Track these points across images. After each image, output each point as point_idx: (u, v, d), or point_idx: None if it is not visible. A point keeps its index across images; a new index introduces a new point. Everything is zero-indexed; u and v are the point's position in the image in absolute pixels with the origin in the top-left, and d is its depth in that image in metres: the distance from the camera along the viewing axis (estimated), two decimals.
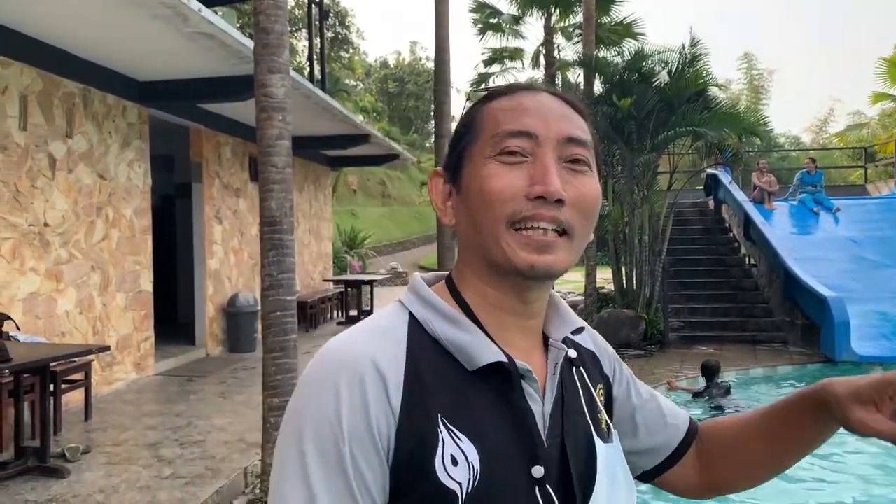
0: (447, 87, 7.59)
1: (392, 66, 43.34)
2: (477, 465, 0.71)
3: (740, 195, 12.84)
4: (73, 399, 5.90)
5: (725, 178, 13.59)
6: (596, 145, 0.81)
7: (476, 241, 0.78)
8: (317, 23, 12.67)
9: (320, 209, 13.36)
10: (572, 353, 0.85)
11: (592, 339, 0.95)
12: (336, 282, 13.01)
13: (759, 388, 7.88)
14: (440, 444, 0.70)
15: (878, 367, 8.46)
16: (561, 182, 0.75)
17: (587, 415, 0.83)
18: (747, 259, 12.77)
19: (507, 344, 0.78)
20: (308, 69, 13.87)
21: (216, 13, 5.96)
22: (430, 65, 42.87)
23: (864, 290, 10.14)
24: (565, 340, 0.85)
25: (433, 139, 45.82)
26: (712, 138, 10.06)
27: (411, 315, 0.78)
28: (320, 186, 13.36)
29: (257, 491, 3.95)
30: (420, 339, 0.75)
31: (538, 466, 0.74)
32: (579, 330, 0.87)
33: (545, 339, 0.85)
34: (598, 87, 11.29)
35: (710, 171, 13.98)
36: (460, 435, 0.71)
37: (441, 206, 0.83)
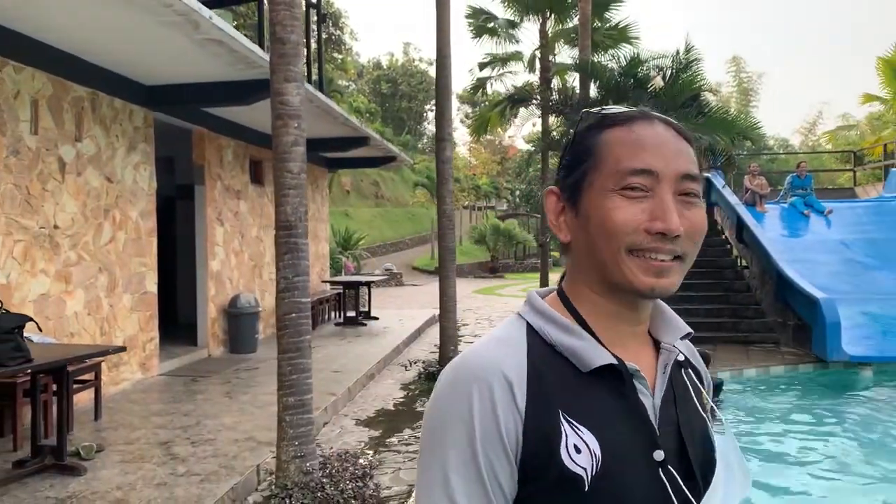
0: (448, 92, 7.71)
1: (385, 67, 43.42)
2: (598, 453, 0.81)
3: (733, 198, 13.03)
4: (81, 399, 6.00)
5: (718, 181, 13.78)
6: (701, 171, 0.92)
7: (594, 261, 0.87)
8: (314, 26, 12.77)
9: (318, 211, 13.46)
10: (681, 357, 0.94)
11: (693, 358, 1.02)
12: (334, 283, 13.11)
13: (753, 389, 8.05)
14: (563, 436, 0.80)
15: (868, 368, 8.68)
16: (677, 216, 0.84)
17: (700, 409, 0.94)
18: (739, 261, 12.96)
19: (621, 347, 0.89)
20: (306, 72, 13.97)
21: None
22: (424, 66, 43.01)
23: (854, 292, 10.36)
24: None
25: (424, 140, 45.89)
26: (706, 143, 10.24)
27: (528, 325, 0.89)
28: (318, 188, 13.47)
29: (273, 488, 4.07)
30: (538, 346, 0.86)
31: (659, 451, 0.85)
32: (687, 335, 0.97)
33: (654, 342, 0.95)
34: (593, 90, 11.46)
35: (703, 174, 14.17)
36: (580, 427, 0.81)
37: (555, 221, 0.92)
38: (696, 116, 10.21)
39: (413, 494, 0.72)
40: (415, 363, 8.66)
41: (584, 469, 0.80)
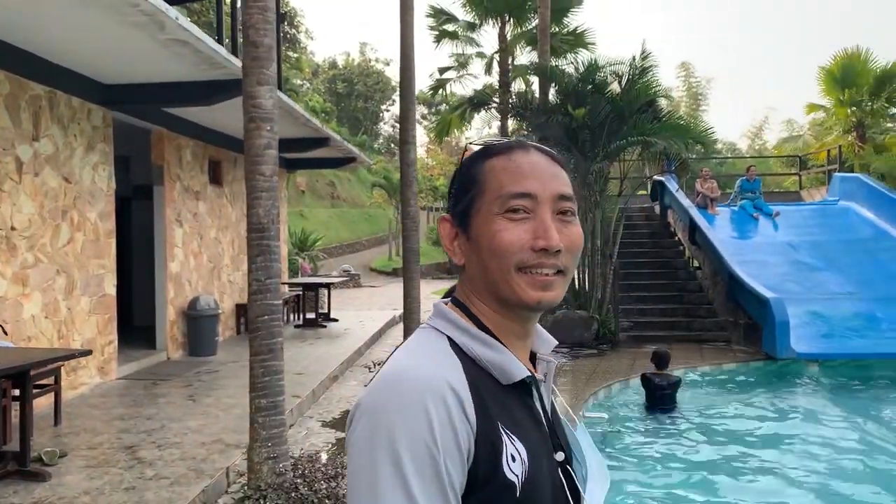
0: (412, 95, 7.77)
1: (341, 66, 43.19)
2: (526, 459, 0.87)
3: (686, 201, 13.42)
4: (39, 404, 5.85)
5: (672, 185, 14.17)
6: (576, 191, 1.05)
7: (487, 280, 0.93)
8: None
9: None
10: (553, 367, 1.03)
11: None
12: (293, 284, 13.03)
13: (707, 385, 8.33)
14: (504, 446, 0.85)
15: (815, 364, 9.06)
16: (557, 233, 0.93)
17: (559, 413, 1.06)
18: (692, 262, 13.35)
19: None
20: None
21: None
22: (380, 66, 42.95)
23: (801, 292, 10.78)
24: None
25: (380, 141, 45.73)
26: (662, 147, 10.53)
27: (450, 339, 0.92)
28: (277, 189, 13.35)
29: (246, 489, 4.07)
30: (465, 360, 0.90)
31: (560, 452, 0.94)
32: (554, 347, 1.07)
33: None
34: (552, 95, 11.66)
35: (656, 177, 14.57)
36: (514, 436, 0.87)
37: (450, 246, 0.98)
38: (652, 121, 10.47)
39: None
40: (378, 364, 8.69)
41: (517, 476, 0.85)
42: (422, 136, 37.43)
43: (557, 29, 14.80)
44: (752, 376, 8.64)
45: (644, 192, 16.05)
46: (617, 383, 8.02)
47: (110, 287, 7.51)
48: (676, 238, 14.32)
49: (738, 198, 14.83)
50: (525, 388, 0.93)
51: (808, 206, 15.46)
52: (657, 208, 15.48)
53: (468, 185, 0.96)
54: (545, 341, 1.03)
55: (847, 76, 18.11)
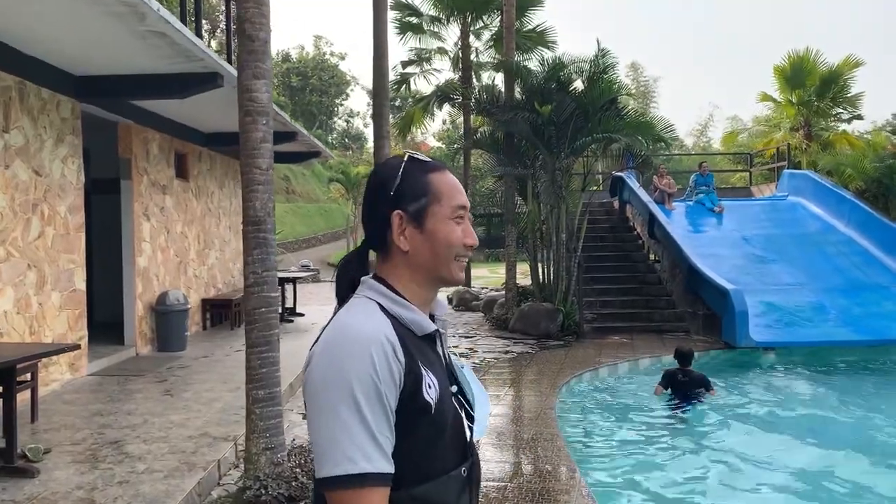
0: (386, 92, 7.84)
1: (295, 59, 42.67)
2: (438, 387, 1.20)
3: (646, 197, 13.79)
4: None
5: (632, 181, 14.53)
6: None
7: (433, 264, 1.26)
8: (234, 17, 12.54)
9: (240, 206, 13.21)
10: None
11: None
12: None
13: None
14: (423, 378, 1.17)
15: (772, 352, 9.47)
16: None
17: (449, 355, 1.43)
18: (651, 255, 13.73)
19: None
20: None
21: None
22: (335, 60, 42.59)
23: (755, 283, 11.23)
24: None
25: (334, 135, 45.18)
26: (625, 144, 10.82)
27: (379, 305, 1.23)
28: (240, 183, 13.21)
29: (245, 480, 4.11)
30: (392, 319, 1.20)
31: (454, 385, 1.30)
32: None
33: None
34: (517, 91, 11.84)
35: (615, 173, 14.93)
36: (429, 371, 1.19)
37: (399, 235, 1.25)
38: (615, 119, 10.75)
39: (321, 434, 1.04)
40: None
41: (432, 399, 1.17)
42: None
43: (519, 26, 14.98)
44: (713, 363, 8.98)
45: (597, 188, 16.40)
46: (587, 372, 8.26)
47: (80, 282, 7.38)
48: (635, 232, 14.70)
49: (694, 192, 15.30)
50: (432, 338, 1.27)
51: (759, 201, 16.05)
52: (616, 203, 15.85)
53: (421, 190, 1.26)
54: (441, 306, 1.55)
55: (797, 76, 18.85)
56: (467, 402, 1.32)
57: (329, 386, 1.11)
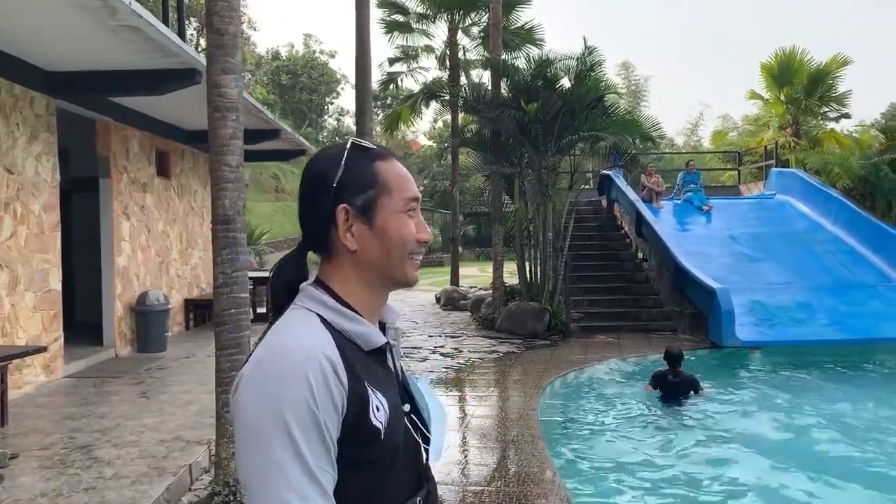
0: (368, 87, 7.74)
1: (285, 58, 42.44)
2: (387, 409, 1.06)
3: (633, 195, 13.73)
4: None
5: (620, 180, 14.48)
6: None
7: (386, 262, 1.13)
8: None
9: None
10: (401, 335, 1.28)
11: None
12: None
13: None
14: (371, 400, 1.04)
15: (758, 351, 9.43)
16: None
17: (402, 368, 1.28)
18: (639, 254, 13.68)
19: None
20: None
21: None
22: (325, 58, 42.38)
23: (743, 282, 11.18)
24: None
25: (325, 133, 45.10)
26: (612, 143, 10.74)
27: (319, 316, 1.08)
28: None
29: (214, 486, 4.01)
30: (335, 333, 1.06)
31: (406, 404, 1.15)
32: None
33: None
34: (503, 89, 11.75)
35: (603, 172, 14.87)
36: (377, 391, 1.06)
37: (345, 233, 1.11)
38: (602, 117, 10.67)
39: (250, 472, 0.99)
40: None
41: (381, 423, 1.04)
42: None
43: (507, 24, 14.90)
44: (700, 363, 8.91)
45: (588, 187, 16.34)
46: (572, 372, 8.18)
47: (55, 282, 7.25)
48: (623, 231, 14.65)
49: (682, 191, 15.26)
50: (381, 352, 1.13)
51: (747, 199, 16.03)
52: (604, 202, 15.80)
53: (368, 181, 1.12)
54: (392, 313, 1.23)
55: (784, 74, 18.84)
56: (423, 420, 1.18)
57: (259, 416, 0.97)
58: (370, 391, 1.04)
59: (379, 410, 1.04)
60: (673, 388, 7.07)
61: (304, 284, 1.13)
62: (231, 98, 4.05)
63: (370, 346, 1.10)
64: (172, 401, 6.36)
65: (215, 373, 4.17)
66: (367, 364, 1.08)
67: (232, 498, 3.83)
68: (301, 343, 1.01)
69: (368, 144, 1.16)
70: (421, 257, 1.17)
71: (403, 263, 1.14)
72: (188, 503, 4.33)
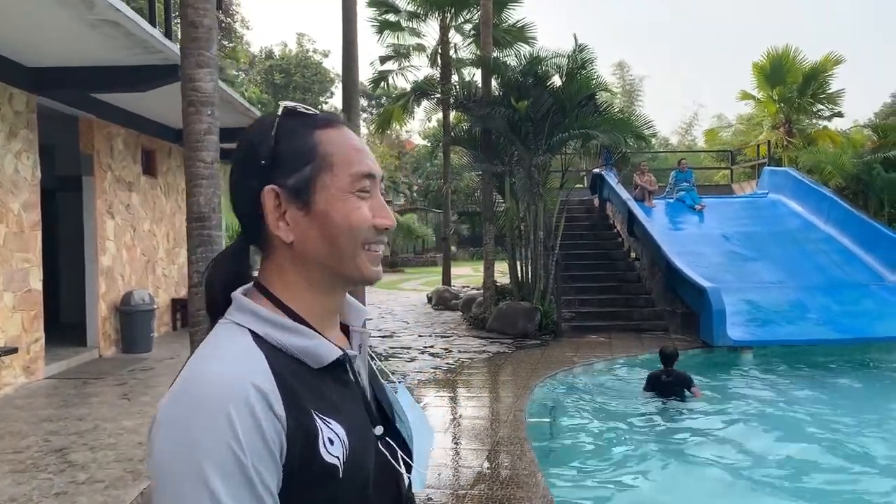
0: (356, 85, 7.64)
1: (278, 57, 42.30)
2: (346, 439, 0.85)
3: (625, 194, 13.65)
4: None
5: (611, 178, 14.39)
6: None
7: (330, 257, 0.91)
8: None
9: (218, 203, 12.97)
10: (369, 338, 1.02)
11: None
12: None
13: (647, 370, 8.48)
14: (319, 432, 0.83)
15: (749, 351, 9.35)
16: None
17: (378, 376, 1.05)
18: (631, 253, 13.60)
19: (326, 334, 0.93)
20: None
21: None
22: (318, 57, 42.27)
23: (735, 281, 11.11)
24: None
25: None
26: (603, 141, 10.67)
27: (252, 332, 0.87)
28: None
29: None
30: (271, 352, 0.85)
31: (378, 426, 0.93)
32: (367, 318, 1.04)
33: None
34: (494, 86, 11.67)
35: (595, 170, 14.79)
36: (330, 420, 0.84)
37: (277, 221, 0.90)
38: (593, 115, 10.59)
39: None
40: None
41: (338, 458, 0.83)
42: (362, 128, 37.01)
43: (499, 22, 14.83)
44: (690, 363, 8.83)
45: (581, 186, 16.27)
46: (561, 373, 8.09)
47: (36, 282, 7.13)
48: (615, 230, 14.57)
49: (674, 190, 15.19)
50: (339, 366, 0.90)
51: (740, 198, 15.97)
52: (596, 201, 15.72)
53: (304, 156, 0.90)
54: (357, 312, 1.02)
55: (776, 73, 18.80)
56: (402, 442, 0.97)
57: (172, 464, 0.77)
58: (319, 421, 0.83)
59: (333, 443, 0.83)
60: (666, 388, 6.99)
61: (235, 292, 0.91)
62: (205, 92, 3.94)
63: (320, 363, 0.88)
64: (154, 403, 6.25)
65: None
66: (317, 386, 0.86)
67: None
68: (224, 373, 0.80)
69: (307, 109, 0.94)
70: (382, 248, 0.95)
71: (356, 256, 0.91)
72: None
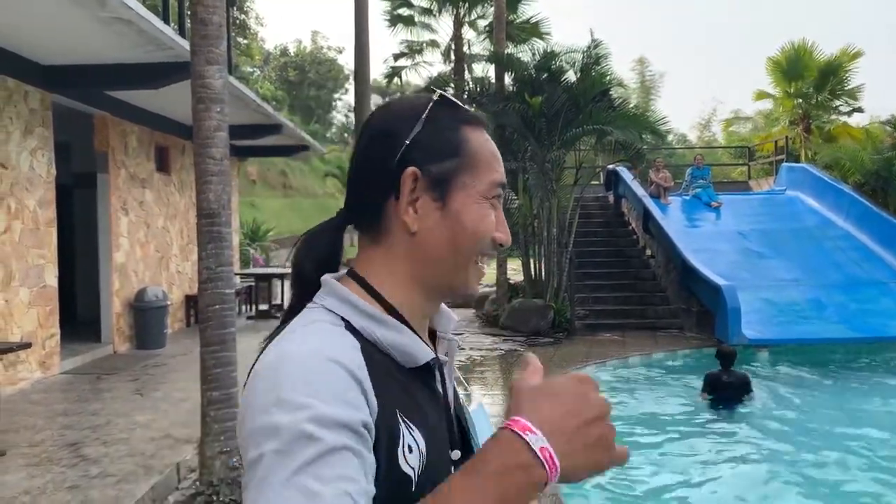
0: (367, 79, 7.64)
1: (292, 53, 42.47)
2: (424, 451, 0.78)
3: (640, 191, 13.55)
4: None
5: (627, 175, 14.29)
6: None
7: (445, 260, 0.85)
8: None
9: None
10: (456, 346, 0.96)
11: None
12: (245, 275, 12.74)
13: (662, 370, 8.42)
14: (401, 437, 0.76)
15: (765, 350, 9.25)
16: None
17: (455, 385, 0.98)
18: (646, 250, 13.50)
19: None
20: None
21: None
22: (332, 54, 42.39)
23: (751, 279, 10.99)
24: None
25: (333, 130, 45.09)
26: (618, 137, 10.59)
27: (345, 320, 0.81)
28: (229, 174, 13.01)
29: (198, 485, 3.92)
30: (364, 344, 0.79)
31: (456, 450, 0.85)
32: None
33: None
34: (507, 82, 11.63)
35: (610, 167, 14.70)
36: (413, 426, 0.78)
37: (407, 206, 0.84)
38: (607, 111, 10.52)
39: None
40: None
41: (414, 469, 0.77)
42: None
43: (513, 18, 14.76)
44: (704, 361, 8.76)
45: (597, 183, 16.17)
46: (574, 371, 8.05)
47: (51, 278, 7.19)
48: (630, 227, 14.47)
49: (690, 186, 15.05)
50: (428, 370, 0.85)
51: (757, 195, 15.81)
52: (611, 198, 15.62)
53: (452, 150, 0.85)
54: (447, 318, 0.95)
55: (793, 68, 18.55)
56: None
57: (273, 415, 0.69)
58: (402, 425, 0.77)
59: (412, 452, 0.76)
60: (726, 389, 6.72)
61: (327, 276, 0.86)
62: (215, 89, 3.95)
63: (413, 364, 0.82)
64: (166, 398, 6.29)
65: (200, 370, 4.09)
66: (405, 385, 0.80)
67: (214, 498, 3.75)
68: (321, 347, 0.75)
69: (458, 102, 0.90)
70: (487, 263, 0.90)
71: (468, 266, 0.86)
72: (174, 502, 4.25)
